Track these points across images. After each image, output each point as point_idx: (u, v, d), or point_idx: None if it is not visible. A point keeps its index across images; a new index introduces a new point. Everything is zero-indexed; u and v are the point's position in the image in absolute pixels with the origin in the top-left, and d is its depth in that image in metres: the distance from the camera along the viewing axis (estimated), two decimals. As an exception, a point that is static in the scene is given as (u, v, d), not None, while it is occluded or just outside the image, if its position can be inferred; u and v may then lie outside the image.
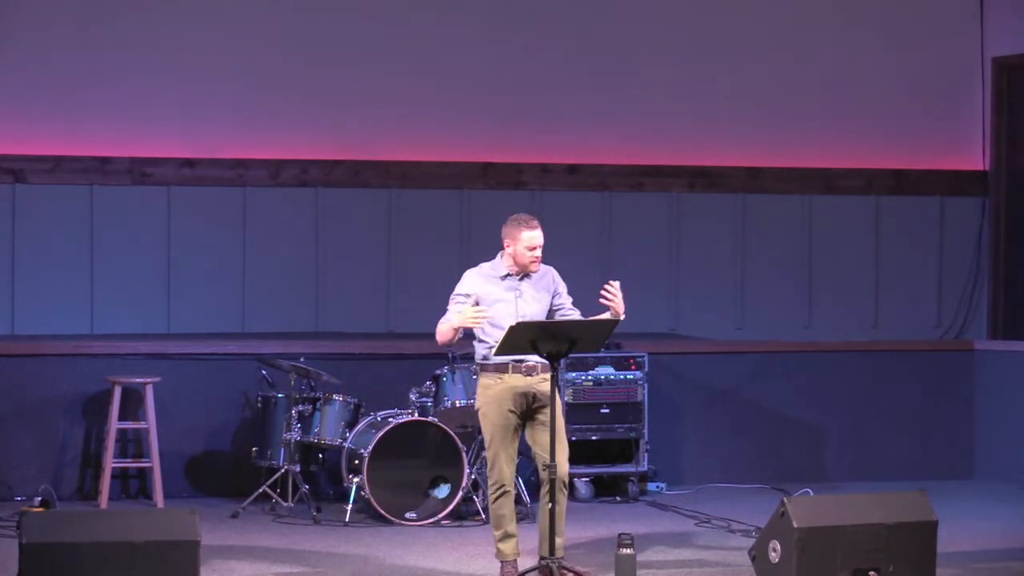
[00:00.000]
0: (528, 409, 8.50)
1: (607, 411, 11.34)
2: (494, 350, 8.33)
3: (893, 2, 13.36)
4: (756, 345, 12.40)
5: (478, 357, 8.60)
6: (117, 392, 10.74)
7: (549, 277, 8.65)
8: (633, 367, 11.41)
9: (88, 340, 11.62)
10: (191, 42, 12.28)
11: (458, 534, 10.00)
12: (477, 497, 10.42)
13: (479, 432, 8.92)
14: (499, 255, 8.60)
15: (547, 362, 8.30)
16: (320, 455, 10.83)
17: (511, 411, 8.47)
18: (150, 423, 10.77)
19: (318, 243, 12.52)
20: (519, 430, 8.53)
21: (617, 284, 8.42)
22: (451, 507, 10.33)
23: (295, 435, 10.54)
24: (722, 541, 9.78)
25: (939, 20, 13.37)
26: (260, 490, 10.51)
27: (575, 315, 8.61)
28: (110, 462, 10.76)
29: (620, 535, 8.37)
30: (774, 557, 7.91)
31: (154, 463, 10.79)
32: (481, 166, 12.73)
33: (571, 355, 8.62)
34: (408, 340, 11.83)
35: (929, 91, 13.38)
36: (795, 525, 7.81)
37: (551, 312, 8.60)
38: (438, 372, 10.64)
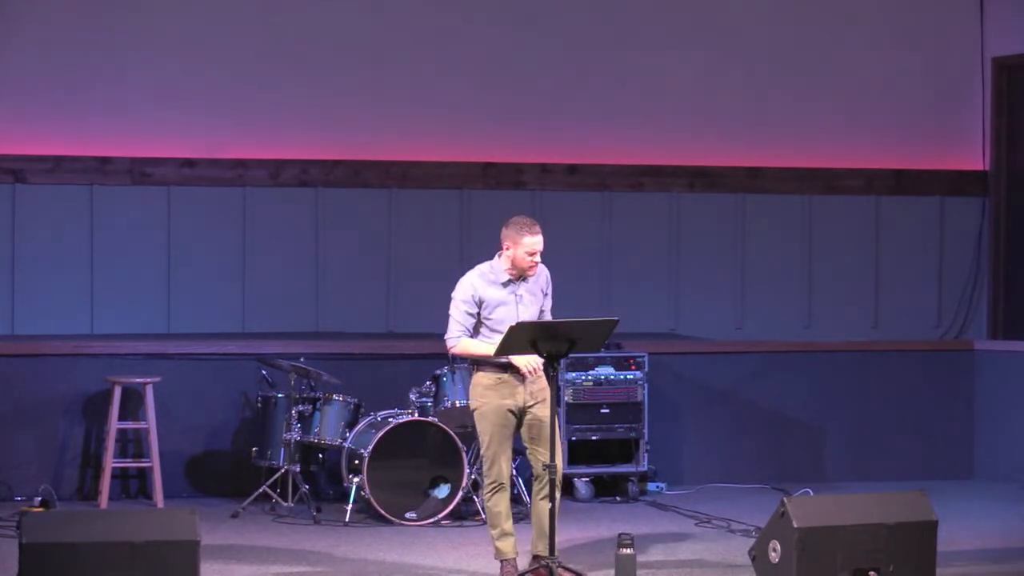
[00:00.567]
0: (524, 408, 8.52)
1: (607, 411, 11.34)
2: (494, 350, 8.35)
3: (893, 2, 13.35)
4: (756, 345, 12.40)
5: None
6: (117, 392, 10.74)
7: (543, 278, 8.67)
8: (633, 367, 11.40)
9: (88, 340, 11.62)
10: (191, 42, 12.28)
11: (458, 534, 10.00)
12: (477, 497, 10.42)
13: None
14: (497, 256, 8.58)
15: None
16: (320, 455, 10.83)
17: (510, 411, 8.50)
18: (150, 423, 10.77)
19: (318, 243, 12.52)
20: (516, 429, 8.56)
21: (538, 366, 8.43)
22: (451, 507, 10.33)
23: (295, 435, 10.54)
24: (722, 541, 9.78)
25: (939, 20, 13.37)
26: (260, 490, 10.52)
27: (547, 312, 8.68)
28: (110, 462, 10.76)
29: (620, 535, 8.37)
30: (774, 557, 7.91)
31: (154, 463, 10.79)
32: (481, 166, 12.73)
33: (571, 355, 8.64)
34: (408, 340, 11.83)
35: (929, 91, 13.38)
36: (795, 525, 7.81)
37: (540, 313, 8.64)
38: (438, 372, 10.65)
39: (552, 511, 8.30)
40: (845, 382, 12.28)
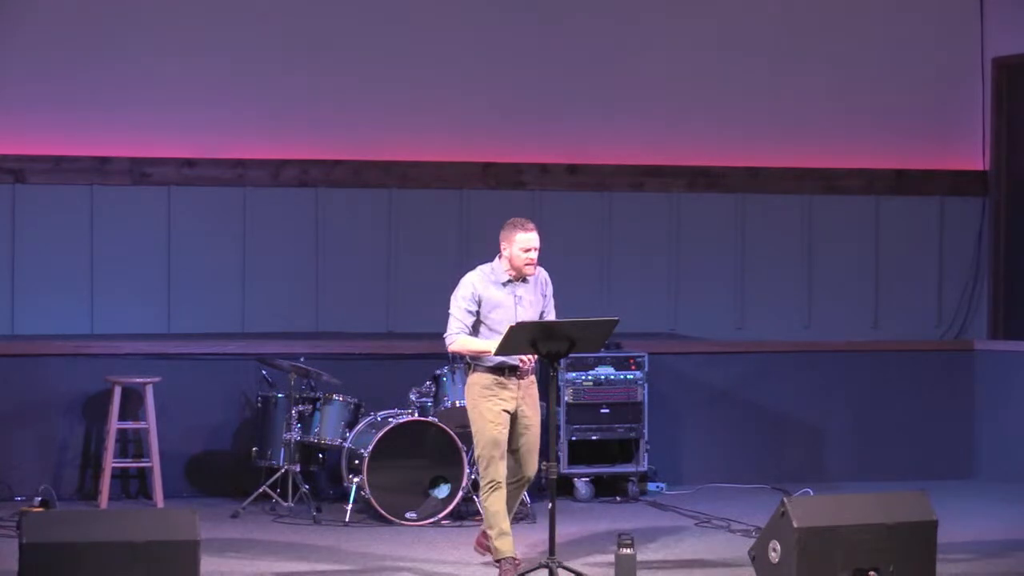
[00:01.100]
0: (517, 411, 8.61)
1: (607, 411, 11.34)
2: (494, 351, 8.41)
3: (893, 2, 13.35)
4: (756, 345, 12.40)
5: (470, 355, 8.66)
6: (117, 392, 10.74)
7: (542, 280, 8.73)
8: (633, 367, 11.40)
9: (88, 340, 11.62)
10: (191, 42, 12.27)
11: (458, 534, 10.00)
12: (477, 497, 10.41)
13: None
14: (496, 258, 8.65)
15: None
16: (320, 455, 10.83)
17: (505, 410, 8.56)
18: (150, 423, 10.77)
19: (318, 243, 12.52)
20: (508, 428, 8.62)
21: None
22: (451, 507, 10.33)
23: (295, 435, 10.54)
24: (722, 541, 9.78)
25: (939, 20, 13.37)
26: (260, 490, 10.52)
27: (551, 311, 8.76)
28: (110, 462, 10.76)
29: (620, 535, 8.38)
30: (774, 557, 7.91)
31: (154, 463, 10.79)
32: (481, 166, 12.73)
33: (571, 355, 8.67)
34: (408, 340, 11.84)
35: (929, 91, 13.38)
36: (795, 525, 7.81)
37: (541, 316, 8.69)
38: (438, 372, 10.65)
39: (553, 511, 8.34)
40: (845, 382, 12.28)
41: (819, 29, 13.23)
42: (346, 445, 10.58)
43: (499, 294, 8.57)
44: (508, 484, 8.67)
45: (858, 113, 13.26)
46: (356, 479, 10.32)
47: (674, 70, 12.98)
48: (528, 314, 8.56)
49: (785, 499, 7.97)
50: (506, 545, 8.58)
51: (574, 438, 11.31)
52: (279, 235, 12.48)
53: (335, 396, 10.74)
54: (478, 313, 8.56)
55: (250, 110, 12.40)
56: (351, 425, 10.69)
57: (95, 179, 12.17)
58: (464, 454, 10.31)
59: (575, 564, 8.65)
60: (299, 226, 12.52)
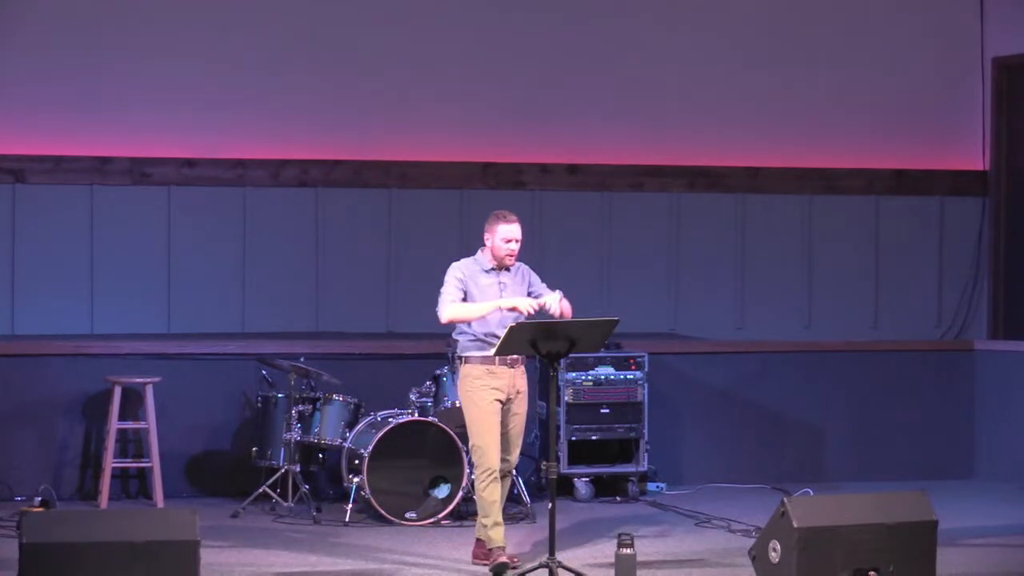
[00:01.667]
0: (508, 400, 8.83)
1: (607, 411, 11.34)
2: (494, 351, 8.55)
3: (893, 2, 13.35)
4: (756, 345, 12.40)
5: (461, 349, 8.91)
6: (117, 392, 10.74)
7: (523, 271, 9.01)
8: (633, 367, 11.40)
9: (88, 340, 11.62)
10: (191, 42, 12.27)
11: (458, 534, 10.00)
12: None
13: None
14: (479, 250, 8.97)
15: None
16: (320, 455, 10.83)
17: (498, 400, 8.79)
18: (150, 423, 10.77)
19: (318, 243, 12.52)
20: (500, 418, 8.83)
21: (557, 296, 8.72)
22: (451, 507, 10.32)
23: (295, 435, 10.54)
24: (722, 541, 9.78)
25: (939, 20, 13.37)
26: (260, 490, 10.52)
27: (551, 292, 8.92)
28: (110, 462, 10.76)
29: (620, 535, 8.39)
30: (774, 557, 7.91)
31: (154, 463, 10.79)
32: (481, 166, 12.73)
33: (571, 355, 8.71)
34: (408, 340, 11.83)
35: (929, 91, 13.38)
36: (795, 525, 7.81)
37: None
38: (438, 372, 10.65)
39: (553, 511, 8.38)
40: (845, 382, 12.28)
41: (819, 29, 13.23)
42: (346, 445, 10.58)
43: (485, 280, 8.88)
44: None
45: (858, 113, 13.26)
46: (356, 479, 10.32)
47: (674, 70, 12.98)
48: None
49: (785, 499, 7.97)
50: (499, 535, 8.79)
51: (574, 438, 11.31)
52: (279, 235, 12.48)
53: (335, 396, 10.74)
54: (466, 295, 8.85)
55: (250, 110, 12.40)
56: (351, 425, 10.69)
57: (95, 179, 12.17)
58: (464, 454, 10.30)
59: (575, 564, 8.64)
60: (299, 226, 12.52)
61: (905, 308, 13.34)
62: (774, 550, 7.91)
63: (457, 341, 9.01)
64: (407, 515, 10.26)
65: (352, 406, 10.76)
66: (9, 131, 12.03)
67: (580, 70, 12.84)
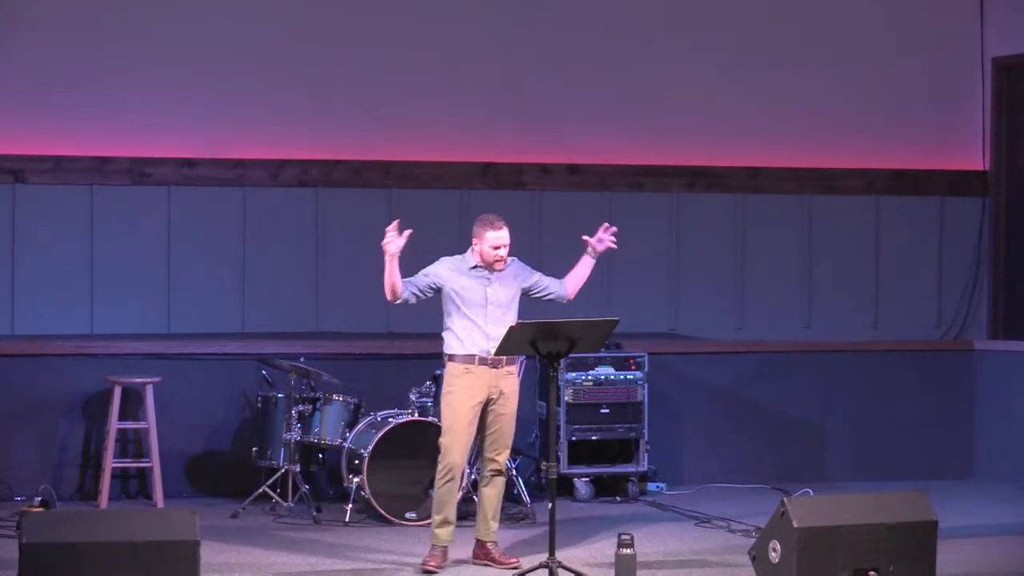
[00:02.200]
0: (489, 400, 8.84)
1: (607, 411, 11.34)
2: (494, 351, 8.57)
3: (893, 2, 13.35)
4: (756, 345, 12.39)
5: (445, 347, 8.94)
6: (117, 392, 10.74)
7: (513, 267, 8.97)
8: (633, 367, 11.40)
9: (88, 340, 11.62)
10: (191, 42, 12.28)
11: (458, 534, 9.97)
12: (476, 496, 10.40)
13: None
14: (468, 250, 8.95)
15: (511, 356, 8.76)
16: (320, 455, 10.82)
17: (478, 402, 8.81)
18: (150, 423, 10.77)
19: (318, 243, 12.52)
20: (477, 421, 8.85)
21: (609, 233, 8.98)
22: (451, 507, 10.31)
23: (295, 435, 10.54)
24: (722, 541, 9.78)
25: (939, 20, 13.37)
26: (260, 490, 10.51)
27: (553, 281, 9.02)
28: (110, 462, 10.76)
29: (620, 535, 8.38)
30: (774, 557, 7.91)
31: (154, 463, 10.79)
32: (481, 166, 12.73)
33: (571, 355, 8.71)
34: (408, 340, 11.83)
35: (929, 91, 13.38)
36: (795, 525, 7.81)
37: (529, 292, 8.99)
38: (438, 372, 10.61)
39: (553, 509, 8.39)
40: (845, 382, 12.27)
41: (819, 29, 13.23)
42: (346, 445, 10.57)
43: (467, 278, 8.85)
44: (485, 473, 8.95)
45: (858, 113, 13.26)
46: (356, 479, 10.32)
47: (674, 70, 12.99)
48: (499, 295, 8.83)
49: (785, 499, 7.97)
50: (446, 533, 8.87)
51: (574, 438, 11.30)
52: (279, 235, 12.49)
53: (335, 396, 10.74)
54: (435, 292, 8.86)
55: (250, 110, 12.41)
56: (351, 425, 10.68)
57: (95, 179, 12.17)
58: (464, 454, 10.30)
59: (575, 564, 8.65)
60: (299, 226, 12.52)
61: (905, 308, 13.34)
62: (774, 550, 7.91)
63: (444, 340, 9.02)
64: (407, 515, 10.26)
65: (352, 406, 10.76)
66: (9, 131, 12.04)
67: (580, 70, 12.84)
